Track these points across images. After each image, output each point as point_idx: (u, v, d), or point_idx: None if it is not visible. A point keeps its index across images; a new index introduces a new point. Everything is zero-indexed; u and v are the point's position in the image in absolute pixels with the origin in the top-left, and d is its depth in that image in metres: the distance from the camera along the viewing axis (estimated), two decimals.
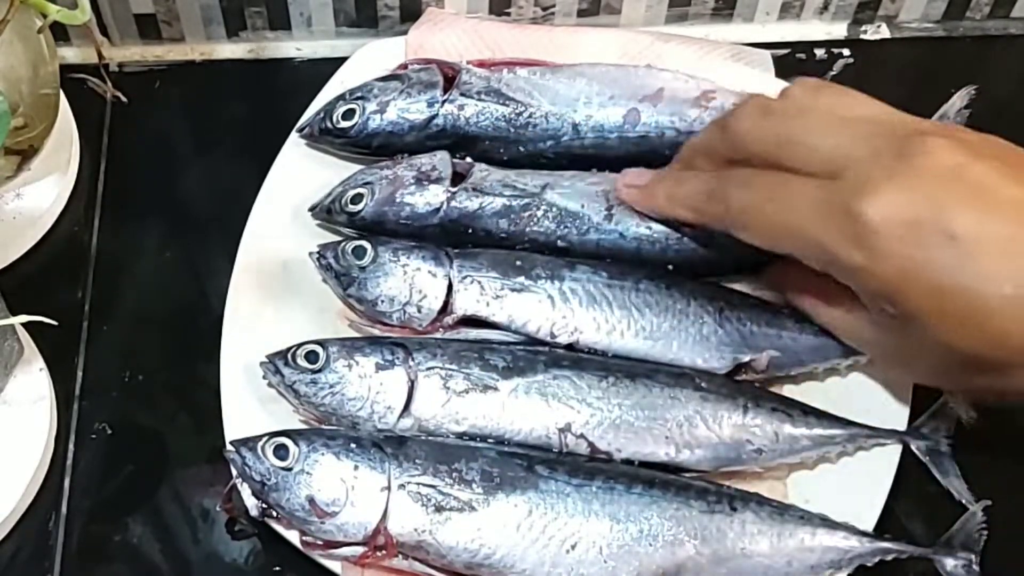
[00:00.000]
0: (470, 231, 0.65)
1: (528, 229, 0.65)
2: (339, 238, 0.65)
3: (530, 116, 0.67)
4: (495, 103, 0.67)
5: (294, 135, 0.69)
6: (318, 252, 0.64)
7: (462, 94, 0.67)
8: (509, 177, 0.65)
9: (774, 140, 0.55)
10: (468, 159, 0.67)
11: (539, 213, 0.65)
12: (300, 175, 0.68)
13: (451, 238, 0.65)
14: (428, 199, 0.65)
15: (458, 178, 0.65)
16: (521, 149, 0.67)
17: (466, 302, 0.62)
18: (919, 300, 0.50)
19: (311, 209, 0.67)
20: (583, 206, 0.65)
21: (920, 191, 0.50)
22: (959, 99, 0.67)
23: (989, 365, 0.50)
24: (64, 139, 0.69)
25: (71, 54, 0.74)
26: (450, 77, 0.68)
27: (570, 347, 0.62)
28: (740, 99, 0.63)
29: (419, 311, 0.62)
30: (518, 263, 0.63)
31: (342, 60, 0.72)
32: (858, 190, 0.50)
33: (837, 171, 0.52)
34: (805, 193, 0.52)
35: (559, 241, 0.65)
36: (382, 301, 0.63)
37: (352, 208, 0.65)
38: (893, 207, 0.50)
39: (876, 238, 0.50)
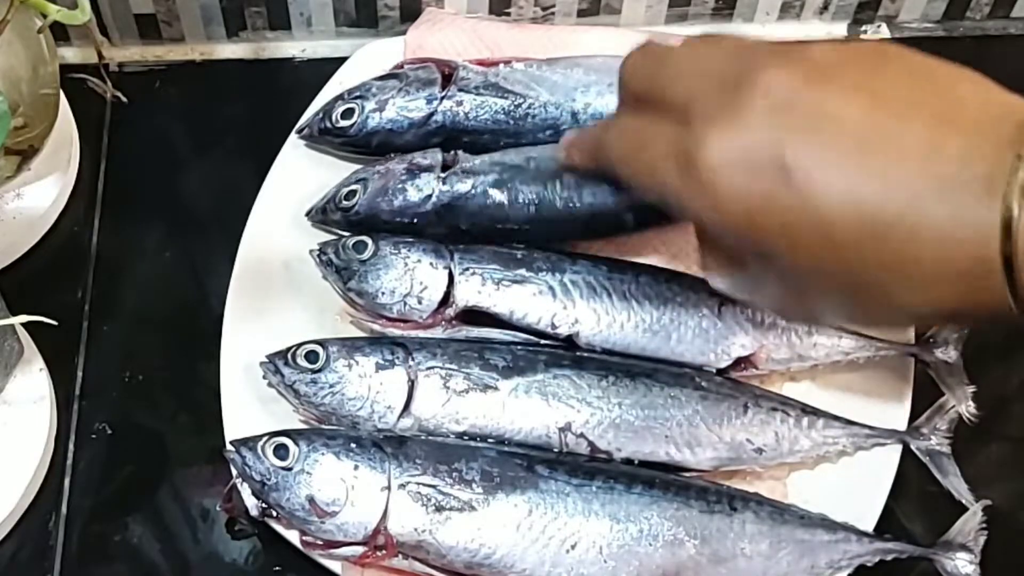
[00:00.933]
0: (464, 212, 0.65)
1: (520, 196, 0.64)
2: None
3: (529, 107, 0.67)
4: (493, 96, 0.67)
5: (294, 136, 0.69)
6: (319, 249, 0.64)
7: (460, 89, 0.67)
8: (494, 156, 0.66)
9: (646, 77, 0.54)
10: (467, 154, 0.67)
11: (529, 177, 0.64)
12: (300, 175, 0.68)
13: (445, 223, 0.65)
14: (420, 186, 0.65)
15: (447, 168, 0.66)
16: (521, 141, 0.67)
17: (467, 294, 0.62)
18: (770, 240, 0.49)
19: (308, 214, 0.67)
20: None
21: (753, 129, 0.48)
22: None
23: (860, 289, 0.48)
24: (64, 139, 0.69)
25: (71, 54, 0.74)
26: (447, 74, 0.68)
27: (570, 339, 0.62)
28: None
29: (420, 303, 0.62)
30: (519, 256, 0.63)
31: (342, 60, 0.72)
32: (697, 137, 0.49)
33: (688, 114, 0.51)
34: (664, 142, 0.52)
35: (550, 203, 0.64)
36: (383, 293, 0.63)
37: (346, 204, 0.65)
38: (727, 151, 0.48)
39: (717, 184, 0.49)
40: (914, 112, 0.47)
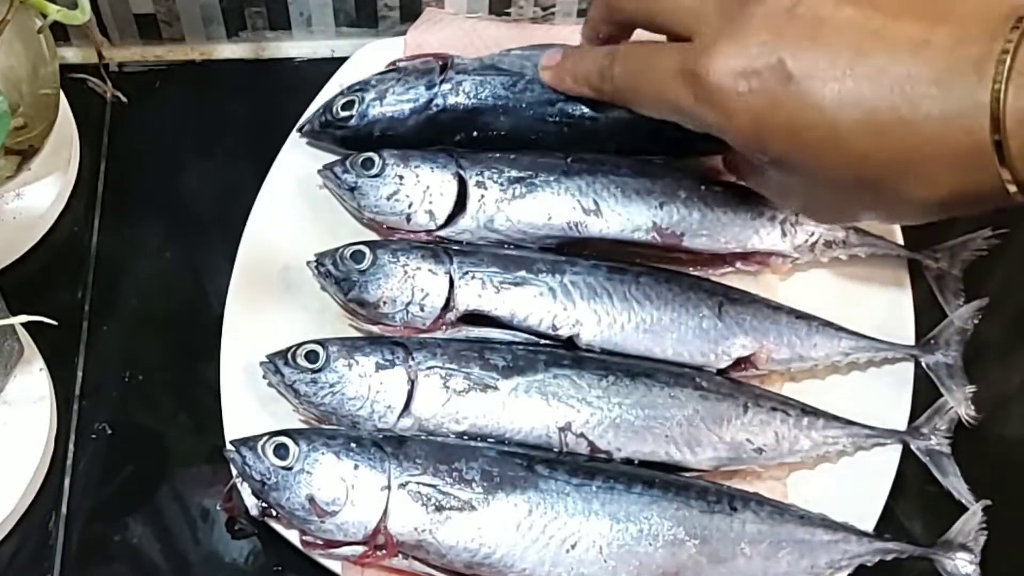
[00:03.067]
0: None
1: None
2: (340, 241, 0.65)
3: (528, 82, 0.67)
4: (492, 74, 0.67)
5: (294, 135, 0.69)
6: (316, 260, 0.64)
7: (458, 72, 0.67)
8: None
9: (643, 6, 0.57)
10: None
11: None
12: (300, 175, 0.68)
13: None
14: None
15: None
16: (522, 116, 0.67)
17: (468, 298, 0.62)
18: (779, 145, 0.51)
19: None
20: None
21: (754, 40, 0.51)
22: None
23: (869, 185, 0.51)
24: (64, 139, 0.69)
25: (71, 54, 0.74)
26: (444, 63, 0.68)
27: (571, 340, 0.62)
28: None
29: (422, 310, 0.62)
30: (519, 258, 0.63)
31: (342, 60, 0.72)
32: (701, 51, 0.52)
33: (691, 32, 0.54)
34: (667, 61, 0.55)
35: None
36: (384, 303, 0.63)
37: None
38: (731, 62, 0.51)
39: (722, 95, 0.52)
40: (904, 10, 0.50)
